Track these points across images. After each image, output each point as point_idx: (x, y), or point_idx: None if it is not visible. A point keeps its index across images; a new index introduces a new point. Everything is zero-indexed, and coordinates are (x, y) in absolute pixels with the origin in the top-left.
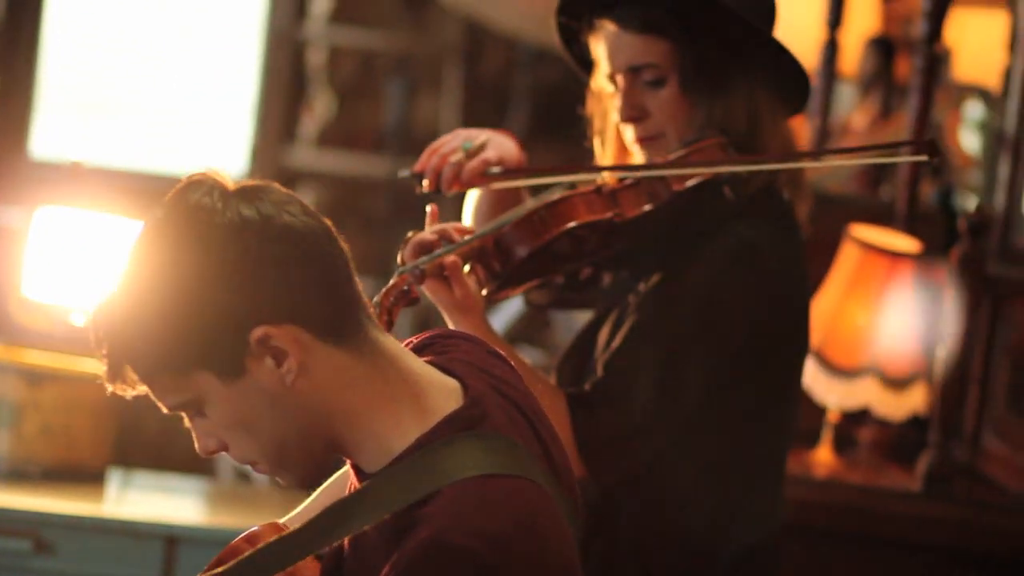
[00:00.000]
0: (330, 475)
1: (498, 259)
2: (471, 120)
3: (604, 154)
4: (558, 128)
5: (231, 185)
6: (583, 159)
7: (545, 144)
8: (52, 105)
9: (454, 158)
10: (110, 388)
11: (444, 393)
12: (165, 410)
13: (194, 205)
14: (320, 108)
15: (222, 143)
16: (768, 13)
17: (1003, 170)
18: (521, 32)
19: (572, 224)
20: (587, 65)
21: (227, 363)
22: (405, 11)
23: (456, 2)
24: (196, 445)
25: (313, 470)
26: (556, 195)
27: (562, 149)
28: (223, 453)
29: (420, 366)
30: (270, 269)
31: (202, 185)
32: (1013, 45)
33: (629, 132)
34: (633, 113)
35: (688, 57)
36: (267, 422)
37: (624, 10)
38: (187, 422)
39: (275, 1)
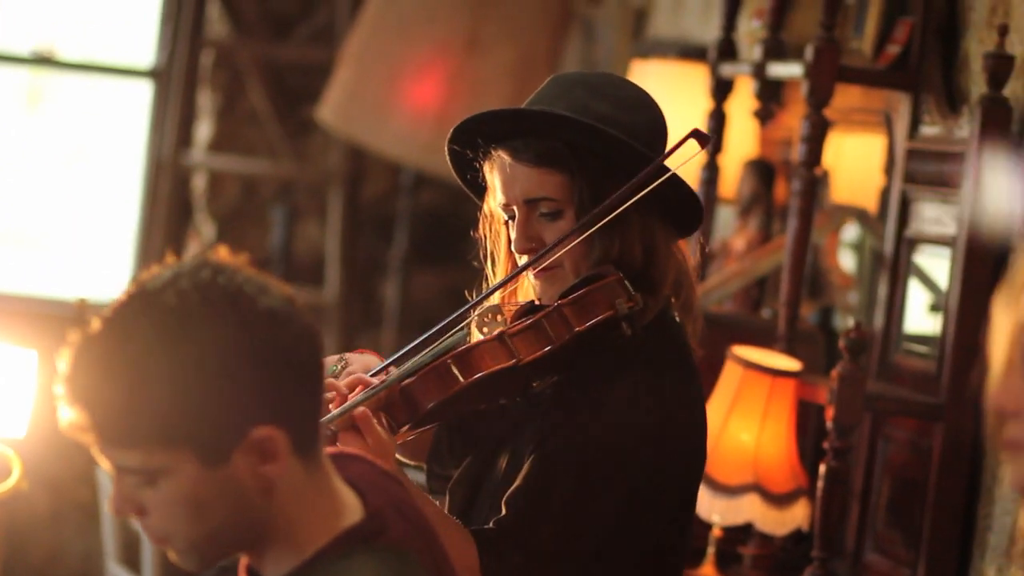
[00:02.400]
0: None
1: (405, 410)
2: (354, 245)
3: (495, 275)
4: (440, 251)
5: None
6: (466, 282)
7: (428, 267)
8: None
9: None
10: (63, 425)
11: (349, 507)
12: (108, 466)
13: (234, 289)
14: (204, 234)
15: (105, 269)
16: (658, 140)
17: (882, 290)
18: (403, 159)
19: (478, 375)
20: (478, 189)
21: (216, 450)
22: (288, 138)
23: (338, 130)
24: (111, 502)
25: (213, 562)
26: (460, 346)
27: (443, 272)
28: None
29: (339, 482)
30: (290, 370)
31: (230, 270)
32: (889, 167)
33: (523, 262)
34: (529, 245)
35: (584, 189)
36: (218, 511)
37: (519, 142)
38: (114, 478)
39: (158, 128)
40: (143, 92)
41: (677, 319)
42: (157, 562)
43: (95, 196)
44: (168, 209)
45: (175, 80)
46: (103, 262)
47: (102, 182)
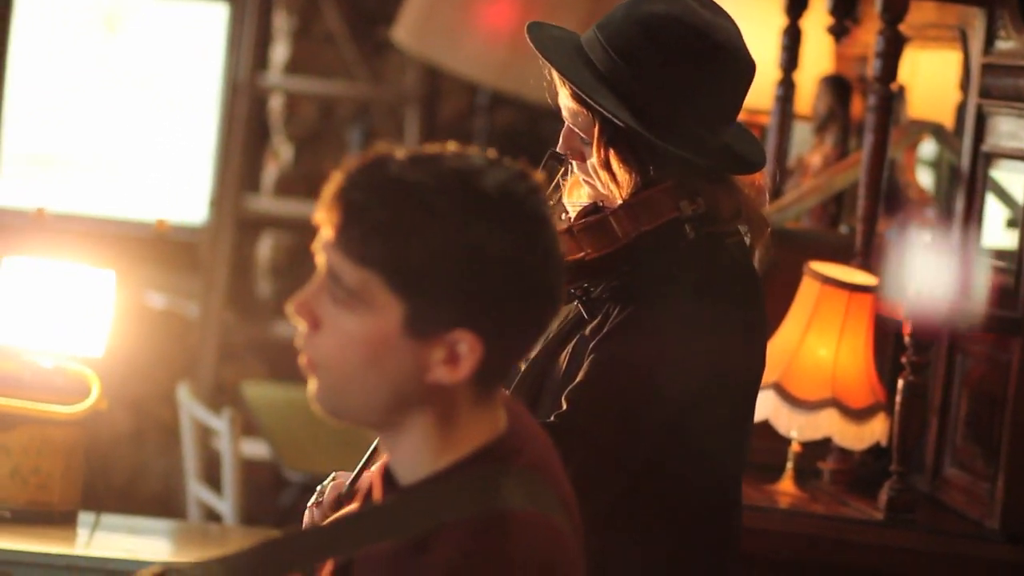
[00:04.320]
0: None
1: None
2: None
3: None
4: None
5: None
6: None
7: None
8: (15, 156)
9: None
10: (321, 238)
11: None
12: (323, 265)
13: (531, 211)
14: (282, 156)
15: (183, 191)
16: (681, 99)
17: (959, 204)
18: (479, 78)
19: None
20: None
21: (423, 323)
22: (364, 59)
23: (414, 50)
24: (299, 295)
25: (341, 415)
26: None
27: None
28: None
29: (500, 414)
30: (532, 310)
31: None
32: (965, 82)
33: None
34: (565, 151)
35: (606, 135)
36: (384, 374)
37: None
38: (319, 279)
39: (234, 51)
40: (219, 14)
41: (746, 243)
42: (237, 480)
43: (173, 119)
44: (245, 131)
45: (251, 2)
46: (181, 185)
47: (180, 105)
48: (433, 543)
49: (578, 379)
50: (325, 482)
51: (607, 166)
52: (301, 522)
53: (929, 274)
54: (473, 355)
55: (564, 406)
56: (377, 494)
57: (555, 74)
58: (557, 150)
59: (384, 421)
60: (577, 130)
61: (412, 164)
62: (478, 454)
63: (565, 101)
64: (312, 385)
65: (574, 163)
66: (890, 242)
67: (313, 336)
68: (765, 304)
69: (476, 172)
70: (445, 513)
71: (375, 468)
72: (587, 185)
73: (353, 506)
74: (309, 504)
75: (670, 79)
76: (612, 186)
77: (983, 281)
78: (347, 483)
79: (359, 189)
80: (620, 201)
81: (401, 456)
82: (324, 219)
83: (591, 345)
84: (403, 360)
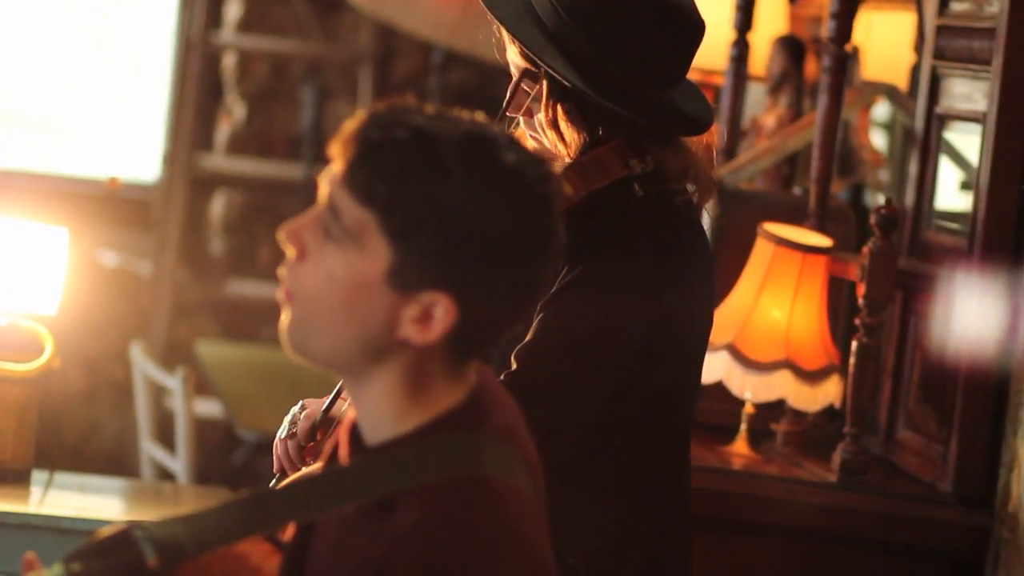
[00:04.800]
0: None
1: None
2: None
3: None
4: None
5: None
6: None
7: None
8: None
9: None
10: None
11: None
12: (325, 195)
13: (534, 180)
14: (235, 114)
15: (135, 148)
16: (631, 54)
17: (912, 167)
18: (432, 37)
19: None
20: None
21: (404, 276)
22: (317, 17)
23: (367, 8)
24: (294, 220)
25: (309, 354)
26: None
27: None
28: None
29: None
30: (519, 283)
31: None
32: (919, 44)
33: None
34: (514, 110)
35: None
36: (357, 318)
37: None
38: (316, 209)
39: (187, 8)
40: None
41: (694, 201)
42: (190, 439)
43: (126, 76)
44: (198, 89)
45: None
46: (133, 143)
47: (133, 62)
48: (399, 505)
49: (527, 338)
50: (294, 410)
51: (555, 125)
52: (253, 482)
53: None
54: (446, 320)
55: (513, 365)
56: (343, 451)
57: (504, 32)
58: (505, 108)
59: (349, 368)
60: (525, 88)
61: (437, 120)
62: (446, 418)
63: (514, 58)
64: (284, 317)
65: (522, 120)
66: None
67: (297, 266)
68: (713, 263)
69: (496, 144)
70: (412, 477)
71: (342, 425)
72: (535, 142)
73: (318, 465)
74: (281, 437)
75: (618, 38)
76: (560, 145)
77: None
78: (320, 411)
79: (379, 130)
80: (568, 160)
81: (366, 411)
82: (337, 153)
83: (539, 304)
84: (378, 309)
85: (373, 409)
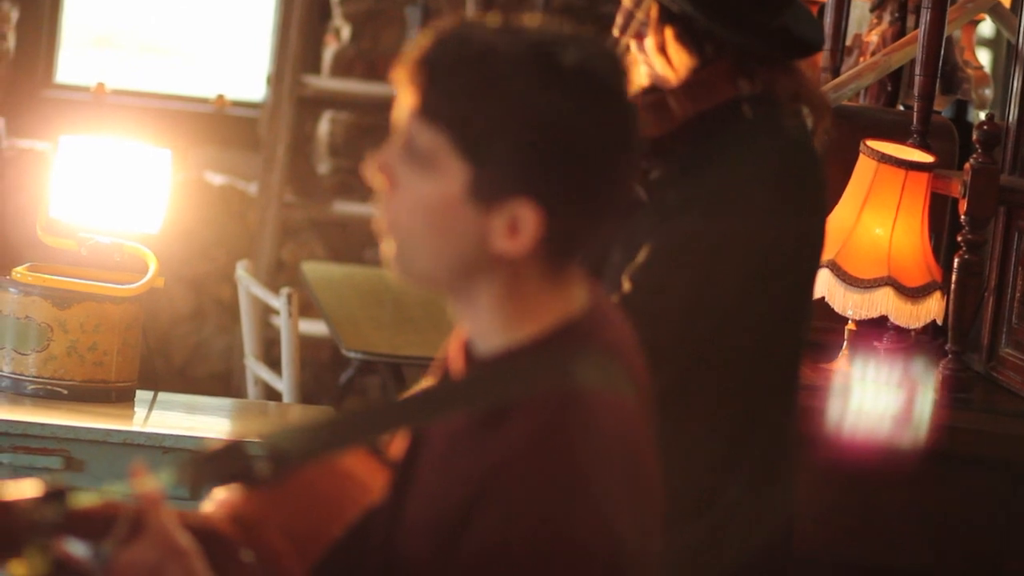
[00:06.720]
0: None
1: None
2: None
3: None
4: None
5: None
6: None
7: None
8: (74, 35)
9: None
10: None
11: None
12: (401, 132)
13: (615, 95)
14: (341, 34)
15: (242, 69)
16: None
17: (1015, 84)
18: None
19: None
20: None
21: (486, 190)
22: None
23: None
24: (380, 156)
25: (419, 279)
26: None
27: None
28: None
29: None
30: (602, 195)
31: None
32: None
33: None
34: (624, 34)
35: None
36: (450, 240)
37: None
38: (397, 141)
39: None
40: None
41: (808, 125)
42: (295, 359)
43: None
44: (304, 9)
45: None
46: (240, 63)
47: None
48: (508, 418)
49: (639, 260)
50: None
51: (663, 50)
52: (359, 400)
53: None
54: (534, 226)
55: (625, 287)
56: (456, 365)
57: None
58: (614, 31)
59: (453, 286)
60: (635, 11)
61: (496, 32)
62: (555, 331)
63: None
64: (388, 247)
65: (632, 44)
66: None
67: (390, 197)
68: (826, 187)
69: (558, 44)
70: (521, 389)
71: (454, 342)
72: (645, 66)
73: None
74: None
75: None
76: (668, 69)
77: None
78: None
79: (440, 52)
80: (677, 83)
81: (474, 326)
82: (405, 80)
83: (651, 227)
84: (467, 227)
85: (482, 324)
